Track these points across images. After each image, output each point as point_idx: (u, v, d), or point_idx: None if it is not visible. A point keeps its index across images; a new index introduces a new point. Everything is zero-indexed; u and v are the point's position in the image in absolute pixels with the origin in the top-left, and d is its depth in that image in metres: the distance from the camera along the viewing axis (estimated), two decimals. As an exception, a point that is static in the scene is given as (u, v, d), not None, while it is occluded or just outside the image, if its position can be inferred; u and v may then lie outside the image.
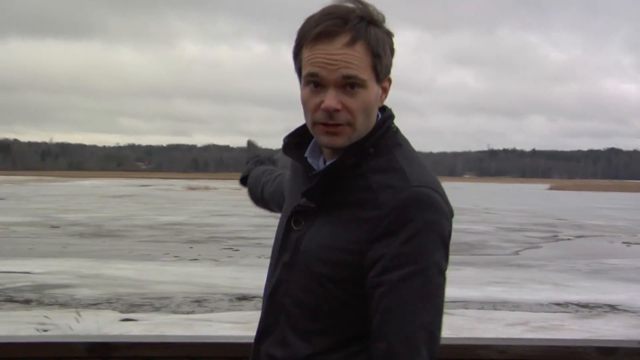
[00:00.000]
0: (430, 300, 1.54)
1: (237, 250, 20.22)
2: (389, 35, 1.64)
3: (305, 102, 1.63)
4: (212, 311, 11.69)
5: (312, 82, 1.60)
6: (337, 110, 1.58)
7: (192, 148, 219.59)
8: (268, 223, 30.68)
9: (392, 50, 1.64)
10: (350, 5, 1.60)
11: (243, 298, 12.91)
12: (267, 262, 1.76)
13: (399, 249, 1.52)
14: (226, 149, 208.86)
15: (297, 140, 1.75)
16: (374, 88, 1.61)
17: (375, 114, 1.65)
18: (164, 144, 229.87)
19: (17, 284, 13.61)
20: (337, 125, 1.59)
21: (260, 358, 1.72)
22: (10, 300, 12.14)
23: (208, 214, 34.80)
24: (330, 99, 1.57)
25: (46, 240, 22.00)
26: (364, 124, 1.62)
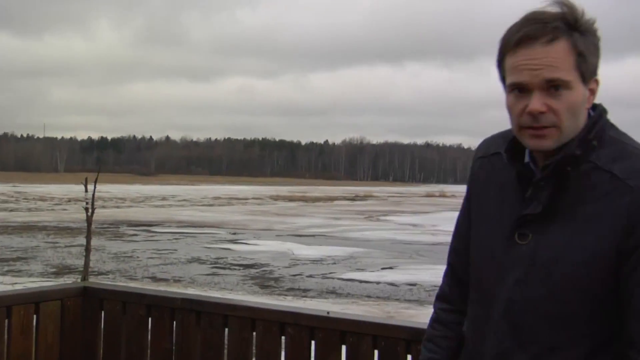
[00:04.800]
0: None
1: None
2: (595, 35, 1.61)
3: (510, 108, 1.65)
4: None
5: (517, 89, 1.62)
6: (542, 113, 1.58)
7: None
8: None
9: (597, 51, 1.62)
10: (553, 9, 1.60)
11: None
12: None
13: None
14: None
15: (513, 151, 1.73)
16: (579, 89, 1.59)
17: (583, 116, 1.64)
18: None
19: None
20: (543, 127, 1.59)
21: None
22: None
23: None
24: (535, 102, 1.58)
25: None
26: (571, 126, 1.61)
